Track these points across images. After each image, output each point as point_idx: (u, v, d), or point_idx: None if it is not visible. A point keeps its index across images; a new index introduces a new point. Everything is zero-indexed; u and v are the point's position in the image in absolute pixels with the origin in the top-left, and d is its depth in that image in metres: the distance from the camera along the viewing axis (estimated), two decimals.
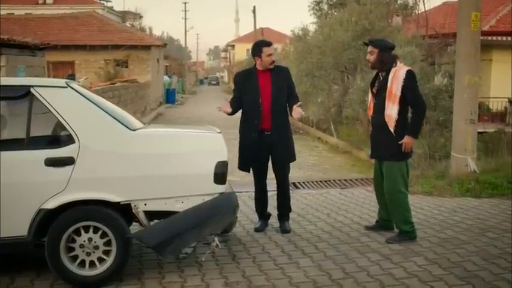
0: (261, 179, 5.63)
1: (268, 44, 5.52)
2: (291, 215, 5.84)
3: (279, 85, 5.43)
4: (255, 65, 5.54)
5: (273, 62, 5.46)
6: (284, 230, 5.56)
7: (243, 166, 5.56)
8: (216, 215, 4.28)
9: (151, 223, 4.22)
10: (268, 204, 5.76)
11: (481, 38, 8.15)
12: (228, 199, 4.40)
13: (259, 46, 5.48)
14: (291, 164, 5.68)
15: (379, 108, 5.16)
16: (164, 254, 4.12)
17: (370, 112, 5.43)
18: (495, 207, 6.57)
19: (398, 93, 5.02)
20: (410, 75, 5.07)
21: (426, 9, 16.47)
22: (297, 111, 5.32)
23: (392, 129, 5.06)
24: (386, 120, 5.07)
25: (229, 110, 5.43)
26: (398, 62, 5.18)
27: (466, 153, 7.84)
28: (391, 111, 5.05)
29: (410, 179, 7.69)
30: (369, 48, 5.29)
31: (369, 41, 5.43)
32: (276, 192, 5.68)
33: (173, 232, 4.11)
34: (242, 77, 5.66)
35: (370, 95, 5.48)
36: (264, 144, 5.41)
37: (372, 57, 5.22)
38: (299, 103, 5.39)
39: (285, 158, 5.54)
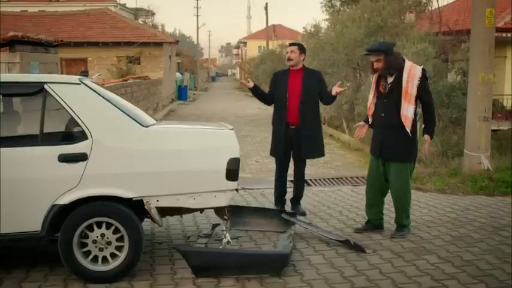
0: (282, 172, 6.05)
1: (290, 44, 6.20)
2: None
3: (309, 85, 5.87)
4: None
5: (289, 59, 5.98)
6: (302, 212, 5.96)
7: (272, 153, 6.09)
8: (261, 268, 4.25)
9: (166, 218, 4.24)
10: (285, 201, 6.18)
11: (496, 34, 8.07)
12: (282, 261, 4.33)
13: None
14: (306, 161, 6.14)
15: (391, 108, 5.04)
16: (199, 275, 4.17)
17: (371, 112, 5.31)
18: (509, 205, 6.50)
19: (414, 93, 4.96)
20: (425, 74, 5.05)
21: (440, 5, 16.33)
22: (335, 88, 5.77)
23: (409, 130, 5.00)
24: (403, 120, 4.97)
25: (251, 84, 5.97)
26: (406, 59, 5.15)
27: (479, 151, 7.79)
28: (408, 111, 4.96)
29: (422, 177, 7.72)
30: (372, 58, 5.11)
31: (369, 50, 5.17)
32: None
33: (216, 263, 4.22)
34: (277, 75, 6.19)
35: (371, 94, 5.33)
36: (290, 137, 5.84)
37: (380, 64, 5.04)
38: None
39: (307, 153, 5.93)
